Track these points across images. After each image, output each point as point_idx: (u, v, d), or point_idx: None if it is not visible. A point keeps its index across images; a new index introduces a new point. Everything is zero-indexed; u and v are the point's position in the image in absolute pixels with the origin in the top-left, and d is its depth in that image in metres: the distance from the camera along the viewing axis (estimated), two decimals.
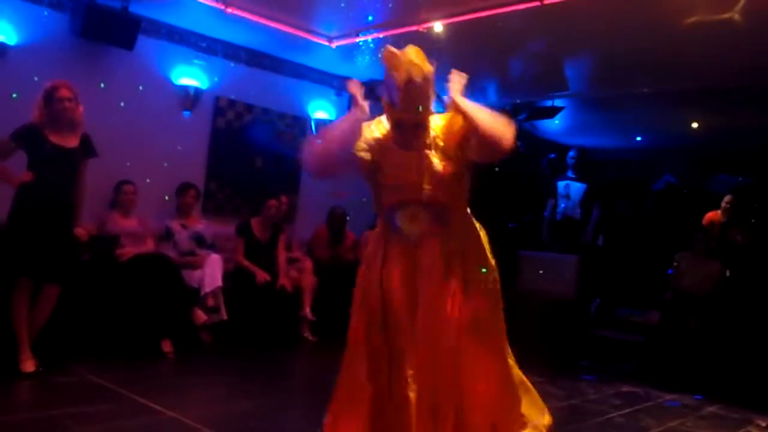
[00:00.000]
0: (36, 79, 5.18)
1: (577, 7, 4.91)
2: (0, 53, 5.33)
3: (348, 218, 7.01)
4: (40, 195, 4.20)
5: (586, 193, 7.45)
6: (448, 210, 2.50)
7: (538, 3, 4.88)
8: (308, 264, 6.42)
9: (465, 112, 2.35)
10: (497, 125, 2.31)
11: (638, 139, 9.51)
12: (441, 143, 2.45)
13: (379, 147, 2.50)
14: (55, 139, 4.25)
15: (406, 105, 2.33)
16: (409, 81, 2.26)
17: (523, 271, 7.15)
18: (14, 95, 5.26)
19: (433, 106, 2.43)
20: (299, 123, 7.43)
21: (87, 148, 4.41)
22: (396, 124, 2.43)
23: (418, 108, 2.33)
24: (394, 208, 2.50)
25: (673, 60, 5.99)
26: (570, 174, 7.54)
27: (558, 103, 7.88)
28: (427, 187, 2.42)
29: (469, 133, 2.37)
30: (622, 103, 7.86)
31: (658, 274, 7.00)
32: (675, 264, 6.50)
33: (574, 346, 6.53)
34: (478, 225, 2.64)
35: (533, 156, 8.97)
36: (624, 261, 8.40)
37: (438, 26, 5.60)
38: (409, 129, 2.41)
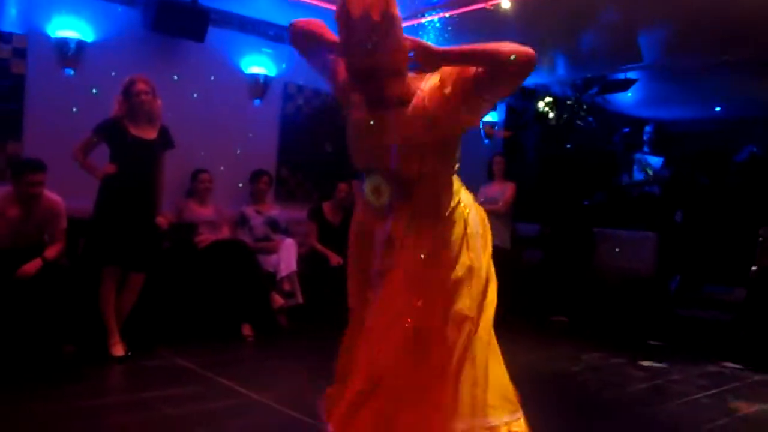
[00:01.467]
0: (113, 74, 5.35)
1: None
2: (79, 51, 5.52)
3: None
4: (123, 186, 4.35)
5: (663, 167, 7.21)
6: (422, 184, 2.06)
7: None
8: None
9: (452, 51, 1.88)
10: (496, 45, 1.84)
11: (717, 109, 9.12)
12: (428, 104, 1.96)
13: (346, 97, 2.15)
14: (135, 131, 4.40)
15: (352, 46, 1.90)
16: (360, 17, 1.82)
17: (599, 249, 6.99)
18: (94, 90, 5.45)
19: (404, 58, 1.93)
20: None
21: (165, 139, 4.54)
22: (349, 74, 2.02)
23: (368, 47, 1.85)
24: (362, 173, 2.17)
25: (752, 26, 5.69)
26: (646, 149, 7.31)
27: (631, 75, 7.63)
28: (393, 155, 2.00)
29: (469, 75, 1.88)
30: (699, 73, 7.55)
31: (743, 249, 6.71)
32: (760, 239, 6.22)
33: (654, 325, 6.36)
34: (470, 209, 2.21)
35: (606, 131, 8.74)
36: (706, 236, 8.11)
37: (506, 2, 5.48)
38: (363, 79, 1.97)
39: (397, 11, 1.88)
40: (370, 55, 1.87)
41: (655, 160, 7.24)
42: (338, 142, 7.13)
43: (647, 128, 7.49)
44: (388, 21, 1.84)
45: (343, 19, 1.86)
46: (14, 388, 3.71)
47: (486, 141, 8.64)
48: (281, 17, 6.42)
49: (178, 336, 4.93)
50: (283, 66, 6.72)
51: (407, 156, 2.00)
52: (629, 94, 8.02)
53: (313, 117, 6.98)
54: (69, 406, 3.41)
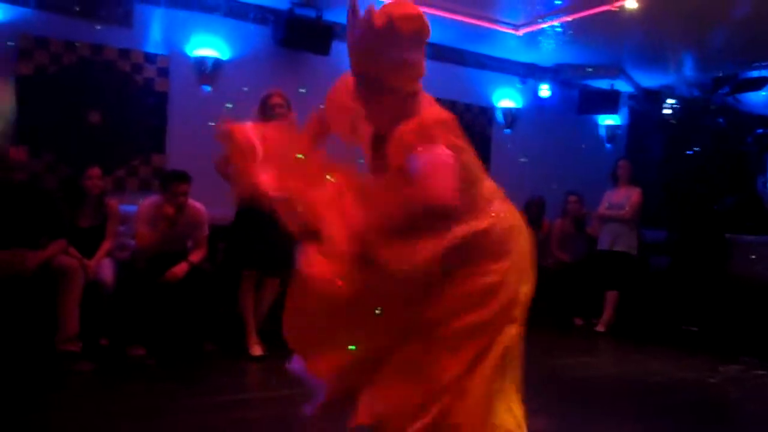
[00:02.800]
0: (245, 89, 5.69)
1: None
2: (215, 68, 5.89)
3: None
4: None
5: None
6: None
7: None
8: None
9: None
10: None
11: None
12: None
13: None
14: None
15: (356, 45, 1.86)
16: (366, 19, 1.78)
17: (732, 256, 6.66)
18: (228, 105, 5.80)
19: (406, 83, 1.89)
20: (486, 113, 7.46)
21: None
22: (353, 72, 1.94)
23: (370, 51, 1.82)
24: None
25: None
26: None
27: (766, 73, 7.23)
28: None
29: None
30: None
31: None
32: None
33: None
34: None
35: (737, 132, 8.30)
36: None
37: (631, 2, 5.37)
38: (363, 83, 1.90)
39: (423, 36, 1.87)
40: (369, 63, 1.85)
41: None
42: None
43: None
44: (392, 36, 1.79)
45: (350, 20, 1.85)
46: (161, 379, 4.06)
47: (608, 145, 8.44)
48: None
49: None
50: None
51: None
52: (763, 93, 7.59)
53: None
54: (211, 401, 3.67)
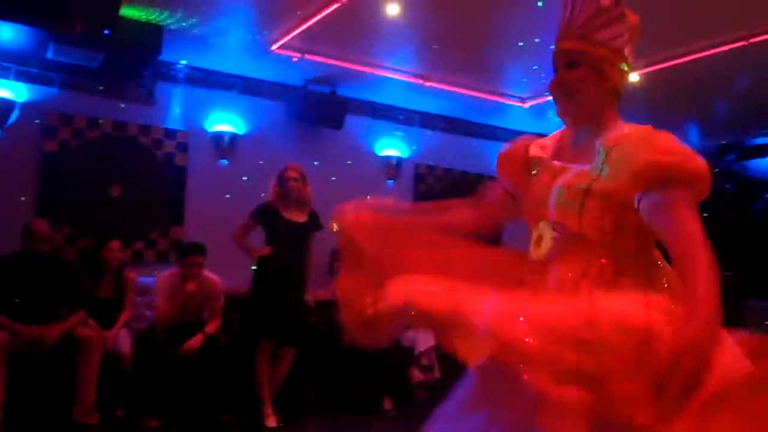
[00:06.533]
0: (261, 162, 5.88)
1: None
2: (232, 142, 6.09)
3: None
4: (277, 267, 4.69)
5: None
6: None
7: (744, 42, 4.70)
8: None
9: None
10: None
11: None
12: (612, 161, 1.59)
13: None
14: (287, 215, 4.77)
15: (570, 22, 1.71)
16: None
17: (747, 324, 6.62)
18: (245, 178, 5.97)
19: (615, 66, 1.68)
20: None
21: (315, 222, 4.88)
22: (554, 63, 1.74)
23: (586, 27, 1.67)
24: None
25: None
26: None
27: None
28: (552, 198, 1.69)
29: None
30: None
31: None
32: None
33: None
34: None
35: (744, 198, 8.38)
36: None
37: (634, 77, 5.55)
38: (563, 67, 1.70)
39: (632, 20, 1.72)
40: (583, 38, 1.67)
41: None
42: None
43: None
44: (617, 13, 1.67)
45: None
46: None
47: None
48: (412, 102, 6.78)
49: (324, 408, 5.14)
50: (415, 148, 7.04)
51: (568, 204, 1.63)
52: None
53: (445, 195, 7.12)
54: None
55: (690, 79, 5.61)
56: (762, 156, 7.49)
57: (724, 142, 7.73)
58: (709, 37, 4.83)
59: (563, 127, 1.83)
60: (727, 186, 8.19)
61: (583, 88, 1.67)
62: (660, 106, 6.50)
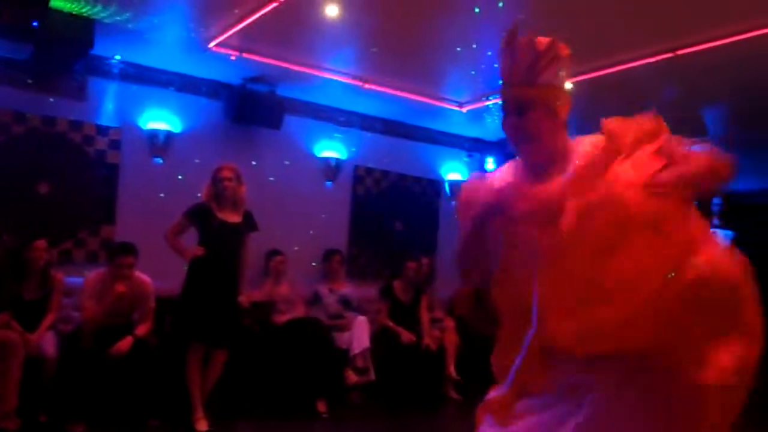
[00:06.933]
0: (197, 161, 5.79)
1: (710, 54, 4.85)
2: (167, 141, 5.97)
3: None
4: (210, 268, 4.62)
5: (735, 241, 7.14)
6: None
7: (670, 54, 4.87)
8: (450, 323, 6.53)
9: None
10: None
11: None
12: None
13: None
14: (221, 215, 4.70)
15: (514, 71, 1.89)
16: (527, 43, 1.86)
17: None
18: (180, 177, 5.86)
19: (561, 99, 1.92)
20: (434, 186, 7.68)
21: (249, 223, 4.83)
22: (503, 111, 1.94)
23: (529, 73, 1.86)
24: None
25: None
26: (716, 222, 7.25)
27: (696, 148, 7.65)
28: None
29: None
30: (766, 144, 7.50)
31: None
32: None
33: None
34: None
35: None
36: None
37: (568, 84, 5.67)
38: (516, 113, 1.90)
39: (566, 53, 1.92)
40: (529, 84, 1.87)
41: (726, 235, 7.16)
42: (406, 220, 7.39)
43: (716, 200, 7.44)
44: (552, 54, 1.87)
45: (510, 43, 1.88)
46: None
47: None
48: (352, 104, 6.79)
49: (257, 411, 5.09)
50: (354, 150, 7.04)
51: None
52: None
53: (383, 197, 7.24)
54: None
55: (619, 88, 5.77)
56: None
57: None
58: (637, 48, 4.99)
59: (513, 161, 2.06)
60: None
61: (539, 129, 1.88)
62: (591, 114, 6.66)
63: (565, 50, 1.91)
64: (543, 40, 1.89)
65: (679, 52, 4.85)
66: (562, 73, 1.92)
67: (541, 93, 1.87)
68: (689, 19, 4.47)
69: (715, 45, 4.66)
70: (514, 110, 1.89)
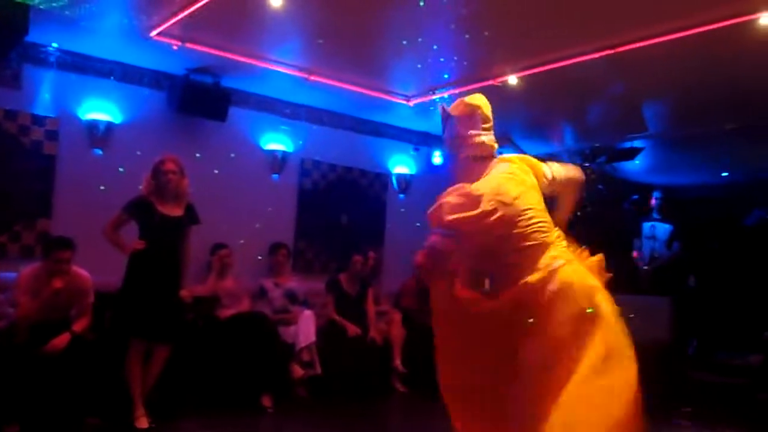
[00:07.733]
0: (139, 153, 5.63)
1: (649, 50, 4.96)
2: (108, 132, 5.81)
3: None
4: (151, 262, 4.52)
5: (672, 233, 7.34)
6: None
7: (610, 51, 4.96)
8: (396, 316, 6.55)
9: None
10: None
11: (724, 174, 9.26)
12: None
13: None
14: (162, 209, 4.61)
15: (452, 137, 2.89)
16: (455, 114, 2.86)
17: None
18: (121, 169, 5.70)
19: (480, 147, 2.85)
20: (381, 179, 7.67)
21: (191, 216, 4.74)
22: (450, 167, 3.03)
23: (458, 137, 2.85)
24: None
25: (754, 94, 5.90)
26: (655, 215, 7.45)
27: (638, 143, 7.83)
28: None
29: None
30: (705, 141, 7.73)
31: (758, 313, 6.75)
32: None
33: (671, 391, 6.33)
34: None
35: (616, 198, 8.87)
36: (720, 301, 8.14)
37: (512, 79, 5.74)
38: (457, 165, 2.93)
39: (479, 114, 2.85)
40: (460, 145, 2.85)
41: (664, 228, 7.37)
42: (353, 214, 7.37)
43: (655, 193, 7.64)
44: (468, 117, 2.84)
45: (444, 116, 2.88)
46: None
47: None
48: (298, 96, 6.72)
49: (200, 407, 5.01)
50: (300, 143, 6.98)
51: None
52: (637, 162, 8.19)
53: (329, 190, 7.20)
54: None
55: (565, 83, 5.86)
56: (630, 159, 7.94)
57: (597, 144, 8.15)
58: (582, 44, 5.06)
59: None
60: (599, 186, 8.63)
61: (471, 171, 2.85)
62: (537, 108, 6.78)
63: (481, 102, 2.91)
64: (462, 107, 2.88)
65: (619, 49, 4.95)
66: (487, 124, 2.90)
67: (472, 150, 2.87)
68: (629, 16, 4.56)
69: (654, 42, 4.76)
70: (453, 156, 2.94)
